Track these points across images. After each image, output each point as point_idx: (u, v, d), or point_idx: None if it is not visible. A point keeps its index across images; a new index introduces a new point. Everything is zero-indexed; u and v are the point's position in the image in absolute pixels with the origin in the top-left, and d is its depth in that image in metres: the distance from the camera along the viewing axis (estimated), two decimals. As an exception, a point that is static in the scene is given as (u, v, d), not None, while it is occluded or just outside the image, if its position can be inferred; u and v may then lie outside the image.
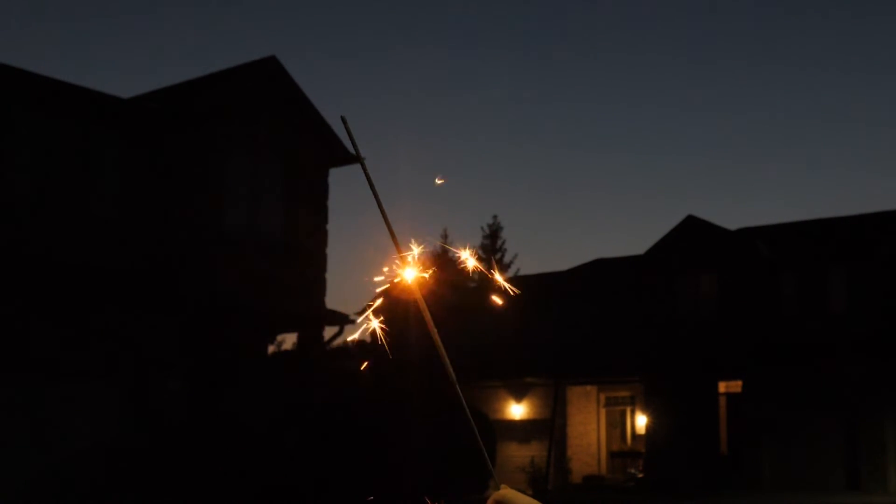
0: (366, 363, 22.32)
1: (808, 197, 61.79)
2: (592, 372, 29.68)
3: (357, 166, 1.64)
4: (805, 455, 25.75)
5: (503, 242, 46.72)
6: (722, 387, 27.87)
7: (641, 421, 29.91)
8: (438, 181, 1.75)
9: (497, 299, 1.98)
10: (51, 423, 16.39)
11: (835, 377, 25.51)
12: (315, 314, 20.76)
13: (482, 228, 46.85)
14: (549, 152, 65.83)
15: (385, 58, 66.55)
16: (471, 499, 19.72)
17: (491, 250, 45.84)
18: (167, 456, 16.63)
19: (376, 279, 1.65)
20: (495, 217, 47.25)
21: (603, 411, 31.66)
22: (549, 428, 29.62)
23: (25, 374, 16.36)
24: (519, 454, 30.03)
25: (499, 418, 30.20)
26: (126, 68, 68.07)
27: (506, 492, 1.55)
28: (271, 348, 24.45)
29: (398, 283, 1.63)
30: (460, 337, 26.76)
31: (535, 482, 28.37)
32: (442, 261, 25.18)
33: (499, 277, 1.67)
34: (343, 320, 20.91)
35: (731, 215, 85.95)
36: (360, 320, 1.66)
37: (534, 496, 1.55)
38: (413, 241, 1.62)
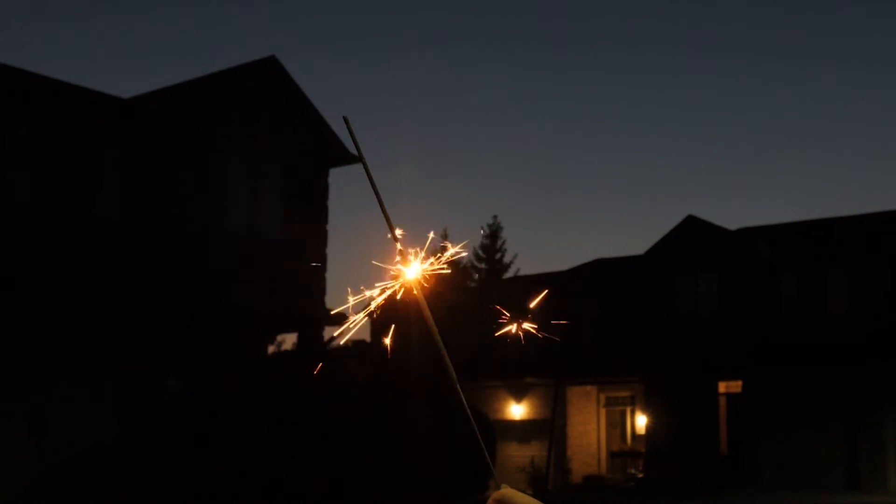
0: (365, 364, 22.32)
1: (808, 197, 61.83)
2: (592, 372, 29.67)
3: (357, 166, 1.64)
4: (805, 455, 25.74)
5: (503, 242, 46.74)
6: (722, 387, 27.87)
7: (641, 421, 29.90)
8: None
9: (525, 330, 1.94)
10: (51, 423, 16.39)
11: (835, 377, 25.50)
12: (315, 314, 20.76)
13: (482, 228, 46.89)
14: (549, 152, 65.89)
15: (385, 58, 66.61)
16: (471, 499, 19.75)
17: (491, 250, 45.87)
18: (167, 456, 16.63)
19: (376, 285, 1.65)
20: (495, 217, 47.32)
21: (603, 411, 31.66)
22: (549, 428, 29.62)
23: (25, 375, 16.35)
24: (519, 454, 30.03)
25: (499, 418, 30.19)
26: (126, 68, 68.15)
27: (506, 491, 1.55)
28: (271, 348, 24.44)
29: (399, 287, 1.63)
30: (460, 336, 26.74)
31: (535, 482, 28.37)
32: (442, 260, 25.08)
33: (526, 325, 1.65)
34: (343, 320, 20.87)
35: (731, 215, 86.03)
36: (348, 324, 1.65)
37: (534, 496, 1.55)
38: (413, 244, 1.62)
